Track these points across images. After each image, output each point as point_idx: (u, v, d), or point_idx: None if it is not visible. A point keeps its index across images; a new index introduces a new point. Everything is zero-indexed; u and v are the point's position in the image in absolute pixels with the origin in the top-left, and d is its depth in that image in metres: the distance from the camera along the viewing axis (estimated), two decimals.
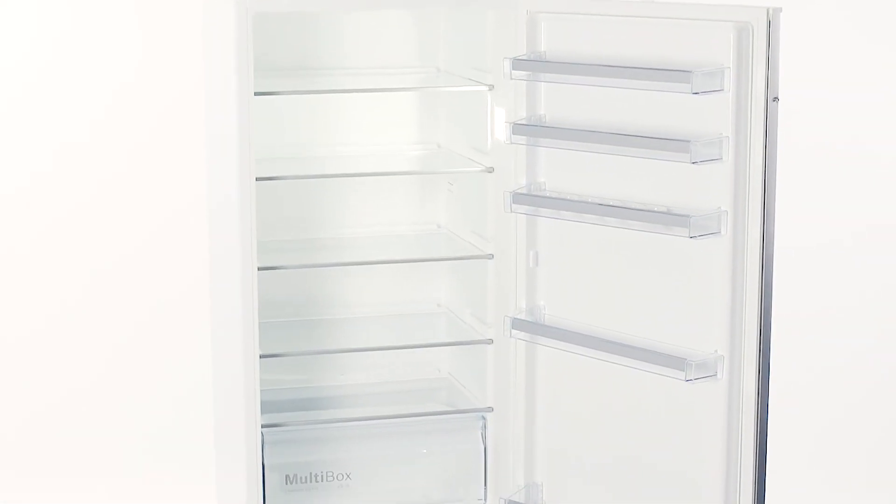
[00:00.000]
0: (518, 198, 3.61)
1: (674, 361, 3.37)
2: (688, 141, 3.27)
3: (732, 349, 3.35)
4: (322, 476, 3.87)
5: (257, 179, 3.58)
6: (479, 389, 3.99)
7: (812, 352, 3.22)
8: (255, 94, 3.54)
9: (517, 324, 3.68)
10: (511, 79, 3.59)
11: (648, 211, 3.39)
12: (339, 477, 3.88)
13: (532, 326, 3.67)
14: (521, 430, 3.80)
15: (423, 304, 4.25)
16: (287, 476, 3.84)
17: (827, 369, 3.19)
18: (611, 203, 3.47)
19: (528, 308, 3.72)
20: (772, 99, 3.23)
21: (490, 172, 3.83)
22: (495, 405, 3.89)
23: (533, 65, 3.56)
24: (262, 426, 3.69)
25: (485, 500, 3.93)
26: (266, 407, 3.73)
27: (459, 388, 4.12)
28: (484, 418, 3.93)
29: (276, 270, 3.82)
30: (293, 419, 3.92)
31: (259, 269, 3.62)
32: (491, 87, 3.80)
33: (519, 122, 3.61)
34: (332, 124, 4.16)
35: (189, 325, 4.44)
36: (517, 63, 3.56)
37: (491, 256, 3.86)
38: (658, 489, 3.55)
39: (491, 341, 3.88)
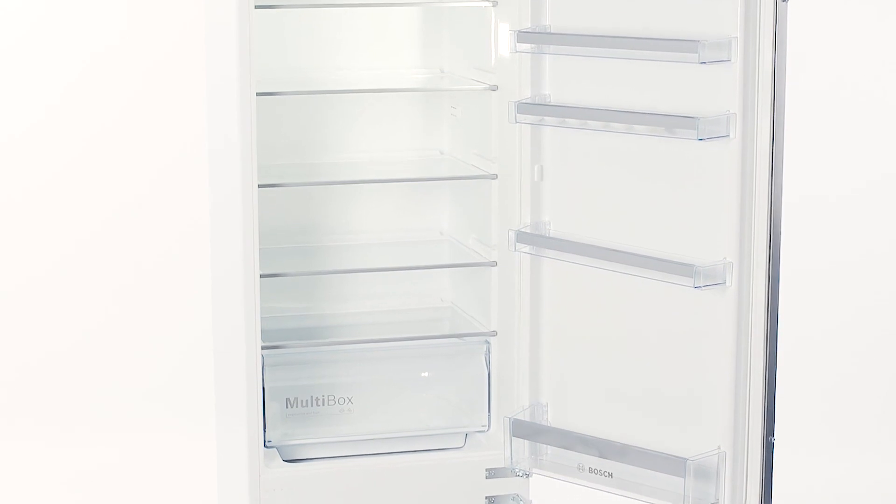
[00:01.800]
0: (523, 107, 3.56)
1: (682, 269, 3.32)
2: (696, 41, 3.22)
3: (741, 256, 3.30)
4: (323, 400, 3.81)
5: (258, 94, 3.54)
6: (482, 316, 3.93)
7: (823, 257, 3.16)
8: (256, 6, 3.51)
9: (522, 237, 3.62)
10: None
11: (656, 114, 3.34)
12: (341, 401, 3.82)
13: (537, 239, 3.61)
14: (525, 353, 3.74)
15: (425, 233, 4.19)
16: (287, 400, 3.78)
17: (839, 275, 3.13)
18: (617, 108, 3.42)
19: (533, 224, 3.66)
20: None
21: (494, 90, 3.77)
22: (499, 329, 3.83)
23: None
24: (263, 347, 3.64)
25: (489, 426, 3.87)
26: (267, 336, 3.67)
27: (463, 315, 4.06)
28: (488, 342, 3.87)
29: (278, 192, 3.78)
30: (294, 343, 3.86)
31: (259, 186, 3.57)
32: (495, 3, 3.75)
33: (524, 30, 3.56)
34: (335, 48, 4.11)
35: (190, 271, 4.40)
36: None
37: (495, 176, 3.80)
38: (666, 407, 3.49)
39: (495, 263, 3.82)
